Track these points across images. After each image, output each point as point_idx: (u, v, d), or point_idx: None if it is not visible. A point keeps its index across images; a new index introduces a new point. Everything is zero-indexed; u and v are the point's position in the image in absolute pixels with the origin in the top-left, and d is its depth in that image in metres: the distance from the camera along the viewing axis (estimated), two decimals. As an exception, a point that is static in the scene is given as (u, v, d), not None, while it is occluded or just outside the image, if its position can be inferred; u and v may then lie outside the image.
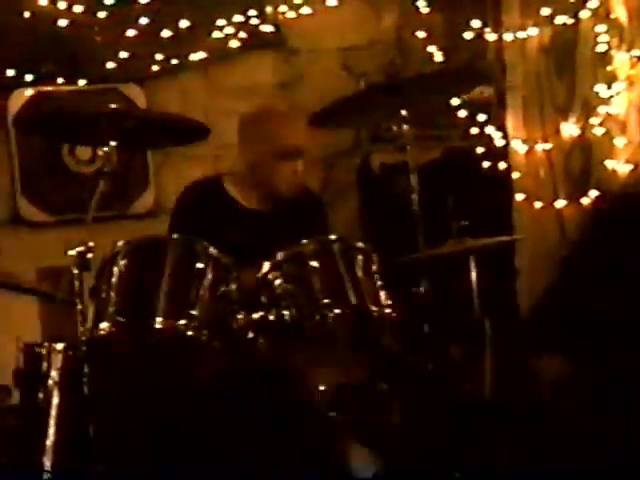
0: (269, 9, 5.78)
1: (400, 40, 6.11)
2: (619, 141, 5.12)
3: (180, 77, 5.96)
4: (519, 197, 5.61)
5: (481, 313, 4.81)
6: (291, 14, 5.83)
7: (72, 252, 4.16)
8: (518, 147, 5.62)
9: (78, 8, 5.66)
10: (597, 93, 5.24)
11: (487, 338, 4.90)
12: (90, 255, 4.05)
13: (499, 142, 5.72)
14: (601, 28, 5.18)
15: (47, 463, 4.09)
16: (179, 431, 4.11)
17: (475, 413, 4.78)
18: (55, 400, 4.06)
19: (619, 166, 5.14)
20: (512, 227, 5.73)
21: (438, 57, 5.69)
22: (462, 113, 5.67)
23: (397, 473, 4.30)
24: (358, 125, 5.78)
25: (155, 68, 5.88)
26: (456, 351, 5.24)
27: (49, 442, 4.07)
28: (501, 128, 5.81)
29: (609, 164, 5.14)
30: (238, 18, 5.79)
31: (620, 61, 5.19)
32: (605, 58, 5.30)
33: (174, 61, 5.89)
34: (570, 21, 5.27)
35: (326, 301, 3.94)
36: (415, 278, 4.47)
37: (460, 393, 4.88)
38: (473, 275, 4.71)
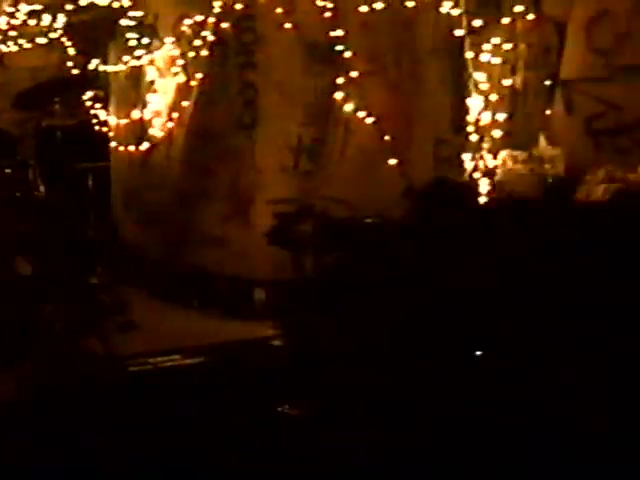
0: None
1: (61, 63, 8.72)
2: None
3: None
4: (113, 144, 8.69)
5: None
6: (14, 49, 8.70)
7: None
8: (112, 120, 8.70)
9: None
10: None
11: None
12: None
13: (104, 117, 8.81)
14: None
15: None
16: None
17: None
18: None
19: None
20: (110, 159, 8.84)
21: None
22: (88, 102, 8.76)
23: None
24: (34, 106, 8.75)
25: None
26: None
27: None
28: (106, 109, 8.83)
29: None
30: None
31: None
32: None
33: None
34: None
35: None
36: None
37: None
38: (90, 182, 8.43)
